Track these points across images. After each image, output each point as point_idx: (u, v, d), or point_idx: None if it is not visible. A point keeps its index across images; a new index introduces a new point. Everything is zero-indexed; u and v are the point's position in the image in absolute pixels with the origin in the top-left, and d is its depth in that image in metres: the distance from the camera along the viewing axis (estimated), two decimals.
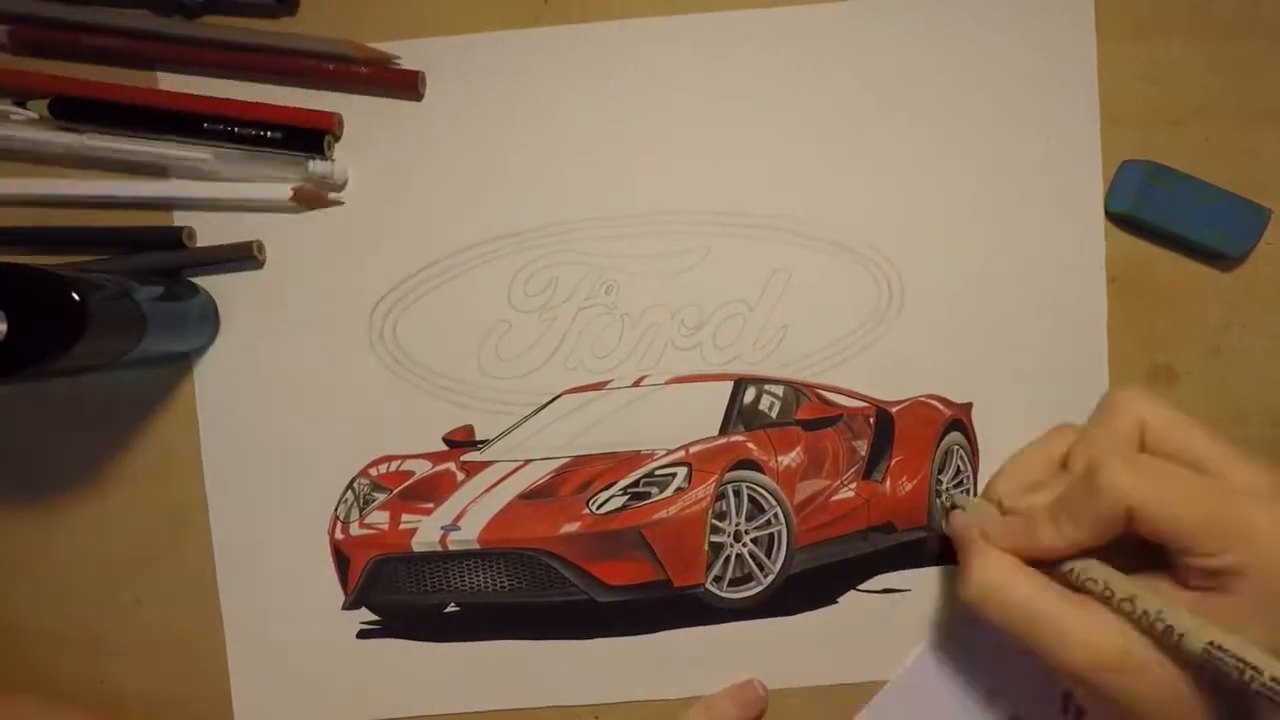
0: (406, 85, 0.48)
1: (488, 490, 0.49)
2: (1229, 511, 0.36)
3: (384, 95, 0.49)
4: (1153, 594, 0.37)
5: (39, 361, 0.39)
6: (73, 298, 0.39)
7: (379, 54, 0.48)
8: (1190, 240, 0.47)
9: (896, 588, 0.49)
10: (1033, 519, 0.39)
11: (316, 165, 0.48)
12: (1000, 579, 0.39)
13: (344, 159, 0.49)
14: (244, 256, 0.49)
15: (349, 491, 0.50)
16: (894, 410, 0.49)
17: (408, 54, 0.48)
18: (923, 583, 0.49)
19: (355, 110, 0.49)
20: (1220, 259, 0.48)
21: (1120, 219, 0.48)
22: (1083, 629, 0.37)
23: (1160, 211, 0.47)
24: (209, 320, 0.49)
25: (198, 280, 0.49)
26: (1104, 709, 0.38)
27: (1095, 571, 0.38)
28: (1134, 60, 0.48)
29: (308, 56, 0.48)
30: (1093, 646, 0.37)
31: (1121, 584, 0.37)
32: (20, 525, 0.50)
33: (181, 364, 0.50)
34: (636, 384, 0.49)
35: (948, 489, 0.49)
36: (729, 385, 0.49)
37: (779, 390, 0.49)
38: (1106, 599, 0.38)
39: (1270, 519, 0.35)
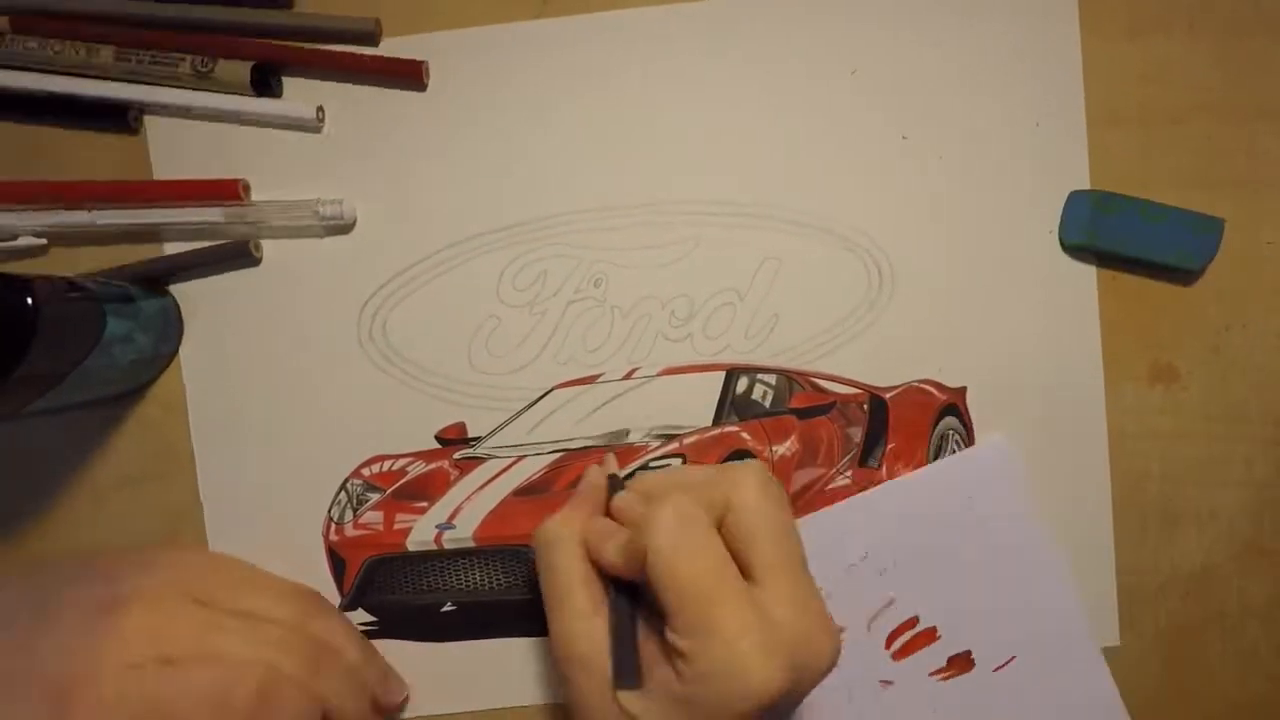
0: (410, 75, 0.48)
1: (482, 487, 0.49)
2: (714, 606, 0.36)
3: (387, 86, 0.48)
4: (633, 634, 0.39)
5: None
6: (25, 301, 0.39)
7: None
8: (1151, 261, 0.47)
9: None
10: (615, 533, 0.40)
11: (326, 208, 0.48)
12: (570, 541, 0.41)
13: (350, 197, 0.48)
14: (241, 254, 0.49)
15: (342, 492, 0.50)
16: (888, 396, 0.49)
17: (395, 48, 0.48)
18: None
19: (343, 113, 0.49)
20: (1184, 274, 0.48)
21: (1078, 249, 0.48)
22: (575, 622, 0.39)
23: (1115, 238, 0.47)
24: (171, 326, 0.49)
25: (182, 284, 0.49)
26: None
27: (619, 599, 0.40)
28: (1134, 58, 0.48)
29: (328, 37, 0.48)
30: (570, 637, 0.39)
31: (621, 611, 0.39)
32: (16, 528, 0.50)
33: (173, 366, 0.49)
34: (628, 376, 0.49)
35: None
36: (721, 375, 0.49)
37: (771, 379, 0.49)
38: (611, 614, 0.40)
39: (741, 641, 0.35)
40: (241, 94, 0.48)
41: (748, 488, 0.39)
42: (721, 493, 0.39)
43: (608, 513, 0.43)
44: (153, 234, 0.49)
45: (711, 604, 0.36)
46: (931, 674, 0.48)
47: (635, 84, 0.48)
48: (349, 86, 0.48)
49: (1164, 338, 0.48)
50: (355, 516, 0.49)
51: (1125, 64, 0.48)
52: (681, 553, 0.36)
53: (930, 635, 0.48)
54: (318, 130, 0.49)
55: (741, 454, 0.48)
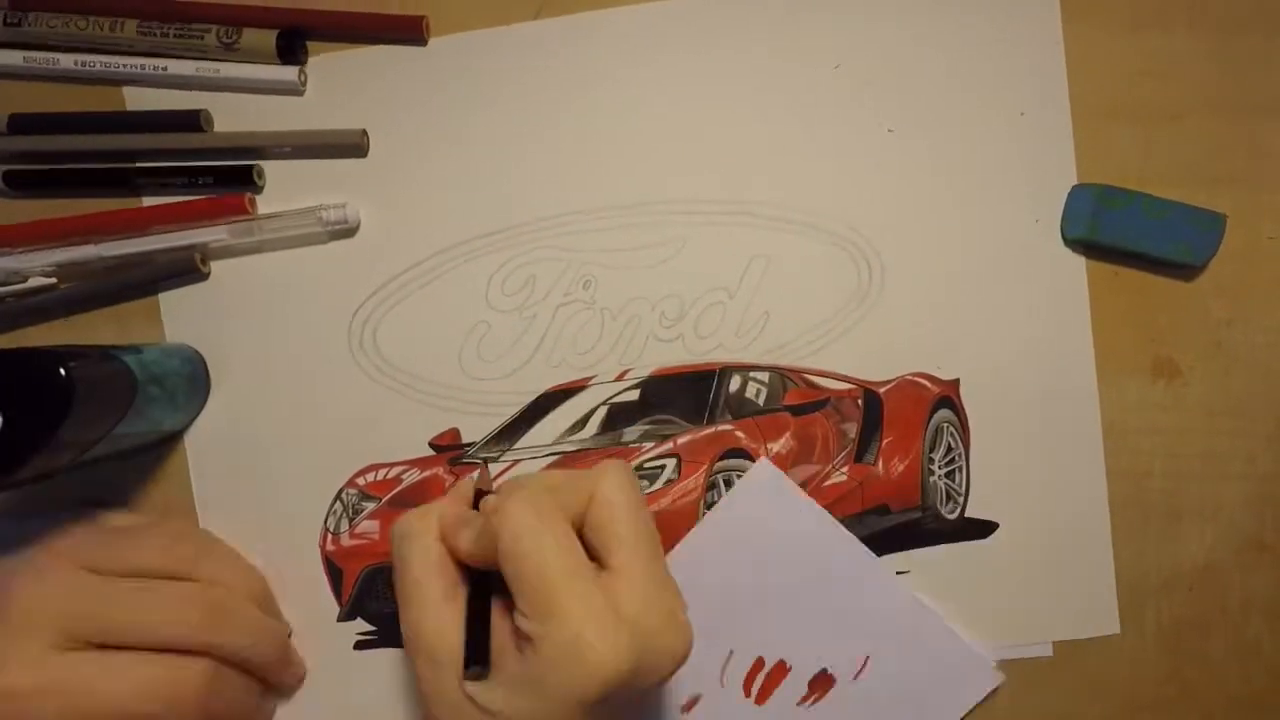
0: (410, 29, 0.48)
1: None
2: (560, 590, 0.36)
3: (387, 43, 0.49)
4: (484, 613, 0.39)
5: (33, 450, 0.38)
6: (60, 373, 0.38)
7: None
8: (1152, 256, 0.47)
9: (895, 570, 0.48)
10: (470, 522, 0.40)
11: (329, 213, 0.48)
12: (423, 533, 0.41)
13: (355, 201, 0.49)
14: (188, 271, 0.49)
15: (338, 502, 0.50)
16: (881, 391, 0.48)
17: (393, 55, 0.49)
18: (921, 564, 0.48)
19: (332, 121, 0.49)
20: (1184, 269, 0.47)
21: (1079, 243, 0.47)
22: (426, 611, 0.39)
23: (1117, 233, 0.47)
24: (199, 383, 0.49)
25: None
26: None
27: (471, 584, 0.40)
28: (1135, 54, 0.47)
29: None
30: (422, 628, 0.39)
31: (471, 593, 0.40)
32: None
33: None
34: (620, 378, 0.49)
35: (938, 466, 0.48)
36: (713, 374, 0.49)
37: (764, 377, 0.49)
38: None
39: (586, 625, 0.36)
40: (268, 63, 0.48)
41: (606, 482, 0.39)
42: (584, 489, 0.39)
43: None
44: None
45: (557, 588, 0.36)
46: (799, 703, 0.48)
47: (619, 84, 0.48)
48: (334, 101, 0.49)
49: (1165, 333, 0.48)
50: (351, 526, 0.49)
51: (1124, 59, 0.47)
52: (528, 536, 0.37)
53: (781, 669, 0.48)
54: (300, 93, 0.49)
55: (736, 453, 0.48)
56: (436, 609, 0.39)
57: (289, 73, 0.48)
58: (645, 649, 0.37)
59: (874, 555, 0.48)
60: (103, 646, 0.43)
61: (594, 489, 0.39)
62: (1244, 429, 0.48)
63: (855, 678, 0.48)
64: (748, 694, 0.48)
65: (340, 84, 0.49)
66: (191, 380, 0.48)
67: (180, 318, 0.50)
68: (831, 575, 0.48)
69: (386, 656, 0.50)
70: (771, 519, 0.48)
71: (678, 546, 0.48)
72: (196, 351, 0.49)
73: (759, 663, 0.48)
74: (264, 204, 0.49)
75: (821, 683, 0.48)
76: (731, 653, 0.48)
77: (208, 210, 0.48)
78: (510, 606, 0.38)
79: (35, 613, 0.42)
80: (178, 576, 0.46)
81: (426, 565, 0.40)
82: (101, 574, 0.44)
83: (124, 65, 0.48)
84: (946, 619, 0.48)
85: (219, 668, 0.44)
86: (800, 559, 0.48)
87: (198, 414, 0.50)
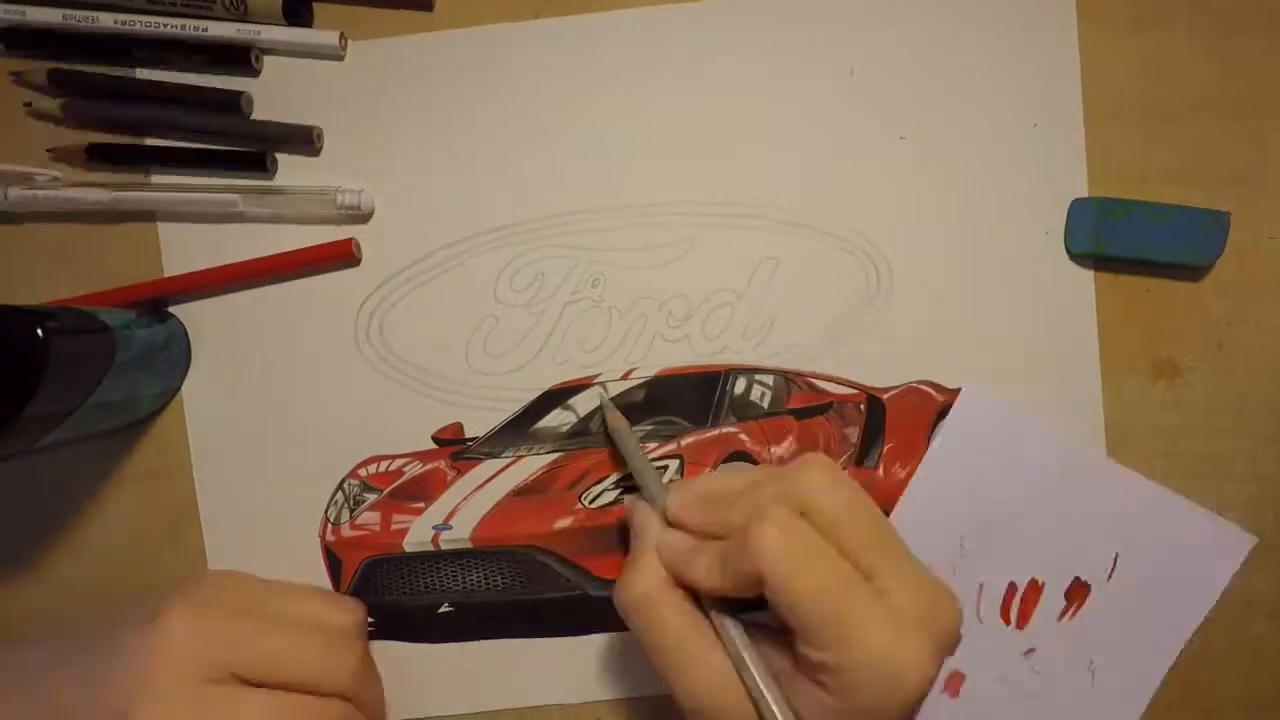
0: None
1: (479, 488, 0.49)
2: (847, 613, 0.35)
3: (392, 6, 0.48)
4: (765, 667, 0.37)
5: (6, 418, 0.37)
6: (35, 333, 0.37)
7: None
8: (1159, 262, 0.47)
9: None
10: (699, 549, 0.38)
11: (345, 198, 0.48)
12: (657, 594, 0.38)
13: (370, 188, 0.48)
14: (240, 61, 0.48)
15: (339, 493, 0.49)
16: (885, 397, 0.48)
17: (392, 49, 0.48)
18: None
19: (337, 118, 0.49)
20: (1192, 270, 0.48)
21: (1086, 257, 0.48)
22: (697, 673, 0.37)
23: (1121, 243, 0.47)
24: (178, 349, 0.49)
25: None
26: None
27: (728, 628, 0.38)
28: (1134, 54, 0.47)
29: None
30: (698, 693, 0.37)
31: (739, 647, 0.37)
32: (13, 529, 0.50)
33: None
34: (625, 377, 0.49)
35: None
36: (719, 376, 0.49)
37: (769, 379, 0.49)
38: (730, 655, 0.38)
39: (881, 637, 0.35)
40: (274, 23, 0.48)
41: (819, 487, 0.37)
42: (796, 494, 0.37)
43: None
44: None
45: (843, 611, 0.35)
46: (1060, 618, 0.47)
47: (633, 84, 0.48)
48: (344, 94, 0.49)
49: (1166, 334, 0.48)
50: (352, 517, 0.49)
51: (1125, 60, 0.47)
52: (801, 569, 0.35)
53: (1035, 588, 0.47)
54: (340, 58, 0.48)
55: (739, 455, 0.48)
56: (707, 664, 0.37)
57: (330, 37, 0.48)
58: (936, 634, 0.36)
59: (1104, 453, 0.48)
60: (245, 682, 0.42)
61: (808, 494, 0.37)
62: (1245, 429, 0.48)
63: (1109, 579, 0.47)
64: (1007, 621, 0.48)
65: (355, 68, 0.49)
66: (168, 345, 0.48)
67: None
68: (1066, 482, 0.47)
69: (384, 648, 0.50)
70: (993, 442, 0.48)
71: (904, 497, 0.48)
72: (174, 317, 0.49)
73: (1011, 588, 0.48)
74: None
75: (1077, 592, 0.47)
76: (981, 586, 0.48)
77: (312, 257, 0.48)
78: (769, 632, 0.38)
79: (190, 642, 0.41)
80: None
81: (680, 625, 0.38)
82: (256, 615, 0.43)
83: (165, 25, 0.48)
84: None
85: (355, 713, 0.44)
86: (1031, 475, 0.47)
87: (179, 385, 0.49)
